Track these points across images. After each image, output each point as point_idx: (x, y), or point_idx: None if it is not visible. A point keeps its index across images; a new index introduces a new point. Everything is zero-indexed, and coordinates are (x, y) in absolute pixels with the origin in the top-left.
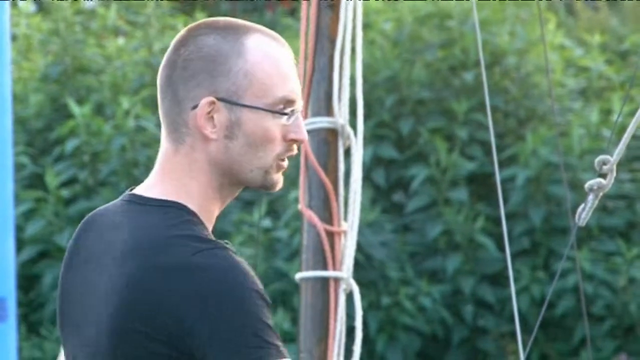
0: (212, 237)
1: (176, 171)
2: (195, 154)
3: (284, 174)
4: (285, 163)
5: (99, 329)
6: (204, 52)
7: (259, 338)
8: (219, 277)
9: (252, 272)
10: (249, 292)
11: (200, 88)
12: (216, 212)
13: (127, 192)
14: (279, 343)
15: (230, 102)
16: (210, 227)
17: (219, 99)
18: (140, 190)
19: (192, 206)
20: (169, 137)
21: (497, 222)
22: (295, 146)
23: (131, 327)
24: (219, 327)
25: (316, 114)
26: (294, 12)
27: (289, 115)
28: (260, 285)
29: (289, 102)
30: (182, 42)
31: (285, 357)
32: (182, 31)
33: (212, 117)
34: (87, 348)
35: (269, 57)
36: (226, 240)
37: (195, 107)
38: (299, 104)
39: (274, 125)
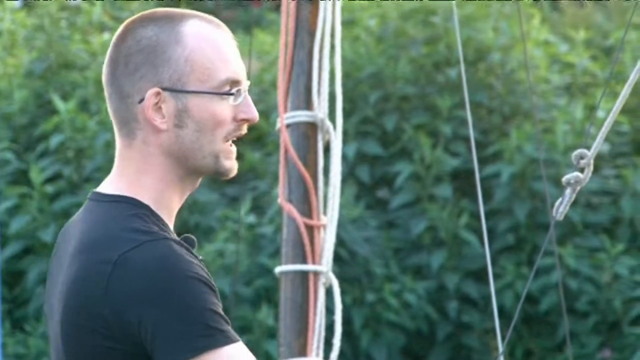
0: (156, 229)
1: (131, 166)
2: (148, 148)
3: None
4: (233, 148)
5: (56, 325)
6: (142, 45)
7: (203, 325)
8: (157, 270)
9: (193, 261)
10: (189, 281)
11: (145, 81)
12: (176, 203)
13: (92, 191)
14: (227, 328)
15: (175, 91)
16: (170, 218)
17: (164, 89)
18: (100, 187)
19: (145, 199)
20: (120, 133)
21: (487, 220)
22: (245, 126)
23: (78, 322)
24: (161, 319)
25: (296, 107)
26: (279, 8)
27: (236, 95)
28: (202, 273)
29: (234, 83)
30: (121, 38)
31: (234, 342)
32: (121, 27)
33: (160, 108)
34: (53, 343)
35: (208, 41)
36: (188, 236)
37: (142, 100)
38: (245, 84)
39: (223, 108)
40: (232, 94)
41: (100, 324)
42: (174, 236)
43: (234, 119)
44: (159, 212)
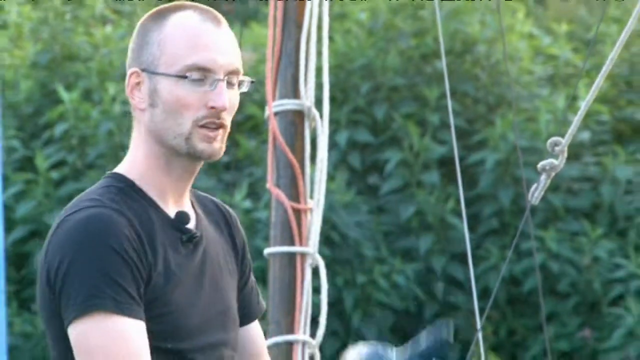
0: (108, 201)
1: (131, 145)
2: (139, 127)
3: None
4: (212, 133)
5: None
6: (138, 33)
7: (96, 287)
8: (76, 233)
9: (119, 229)
10: (102, 247)
11: (132, 63)
12: (168, 184)
13: None
14: (120, 299)
15: (149, 72)
16: (164, 197)
17: (142, 70)
18: None
19: (131, 176)
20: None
21: (467, 203)
22: (221, 114)
23: (38, 277)
24: (68, 275)
25: (283, 96)
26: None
27: (199, 81)
28: (122, 243)
29: (203, 70)
30: (135, 31)
31: (120, 312)
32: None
33: (139, 88)
34: None
35: (183, 29)
36: (117, 205)
37: (127, 79)
38: (223, 73)
39: (188, 92)
40: (185, 77)
41: (44, 275)
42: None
43: (205, 106)
44: (144, 188)
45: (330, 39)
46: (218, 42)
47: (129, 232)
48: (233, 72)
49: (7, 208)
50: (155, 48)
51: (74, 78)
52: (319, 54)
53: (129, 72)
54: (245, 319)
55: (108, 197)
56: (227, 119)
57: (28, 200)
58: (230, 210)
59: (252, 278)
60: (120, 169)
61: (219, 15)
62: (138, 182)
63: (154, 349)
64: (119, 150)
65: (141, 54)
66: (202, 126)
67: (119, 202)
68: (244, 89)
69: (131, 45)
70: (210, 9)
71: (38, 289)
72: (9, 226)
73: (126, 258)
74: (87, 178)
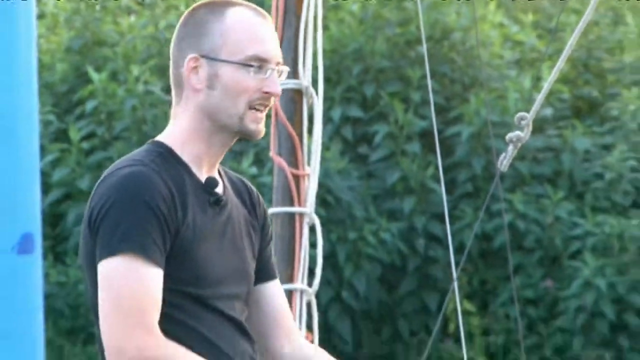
0: (147, 161)
1: (176, 118)
2: (188, 103)
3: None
4: (261, 115)
5: None
6: (196, 21)
7: (127, 234)
8: (118, 186)
9: (156, 187)
10: (137, 200)
11: (189, 49)
12: (204, 153)
13: None
14: (147, 247)
15: (210, 58)
16: (199, 164)
17: (202, 56)
18: None
19: (170, 143)
20: (174, 93)
21: (444, 170)
22: (271, 99)
23: (82, 227)
24: (103, 221)
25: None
26: None
27: (259, 69)
28: (156, 199)
29: (261, 60)
30: (182, 20)
31: (145, 258)
32: (187, 11)
33: (197, 71)
34: None
35: (243, 23)
36: (155, 166)
37: (184, 64)
38: (275, 63)
39: (247, 78)
40: (252, 66)
41: (86, 221)
42: (184, 174)
43: (260, 90)
44: (181, 154)
45: (325, 27)
46: (270, 35)
47: (162, 190)
48: (279, 63)
49: (44, 174)
50: (218, 38)
51: (102, 61)
52: (315, 40)
53: (189, 55)
54: (265, 277)
55: (148, 158)
56: (272, 103)
57: (62, 167)
58: (255, 189)
59: (271, 246)
60: (161, 137)
61: (263, 11)
62: (176, 149)
63: (179, 292)
64: (141, 124)
65: (200, 42)
66: (252, 108)
67: (157, 164)
68: (283, 77)
69: (182, 32)
70: (255, 6)
71: (81, 239)
72: (46, 190)
73: (157, 212)
74: (113, 148)
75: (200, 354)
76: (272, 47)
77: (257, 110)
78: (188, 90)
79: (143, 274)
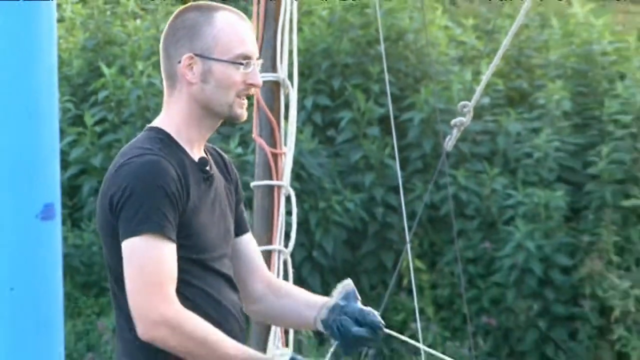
0: (155, 148)
1: (170, 106)
2: (182, 95)
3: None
4: (245, 102)
5: None
6: (186, 23)
7: (146, 215)
8: (134, 174)
9: (167, 173)
10: (152, 185)
11: (184, 48)
12: (196, 137)
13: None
14: (163, 225)
15: (203, 57)
16: (191, 146)
17: (196, 55)
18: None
19: (167, 129)
20: (166, 84)
21: (399, 150)
22: (252, 89)
23: (98, 209)
24: (125, 204)
25: (265, 71)
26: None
27: (246, 65)
28: (168, 183)
29: (245, 57)
30: (173, 20)
31: (161, 235)
32: (174, 13)
33: (192, 68)
34: None
35: (230, 26)
36: (163, 153)
37: (180, 61)
38: (256, 60)
39: (235, 73)
40: (242, 64)
41: (107, 202)
42: (183, 157)
43: (244, 82)
44: (178, 139)
45: (299, 29)
46: (251, 35)
47: (172, 174)
48: (258, 57)
49: (63, 153)
50: (210, 40)
51: (112, 58)
52: (291, 40)
53: (185, 54)
54: (240, 231)
55: (155, 146)
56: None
57: (78, 147)
58: (225, 155)
59: (242, 204)
60: (158, 123)
61: (243, 14)
62: (174, 134)
63: (185, 258)
64: (145, 111)
65: (194, 43)
66: (238, 97)
67: (163, 151)
68: (259, 67)
69: (177, 34)
70: (235, 9)
71: (100, 213)
72: (64, 166)
73: (170, 195)
74: (122, 131)
75: (206, 309)
76: (253, 46)
77: (242, 98)
78: (182, 83)
79: (161, 251)
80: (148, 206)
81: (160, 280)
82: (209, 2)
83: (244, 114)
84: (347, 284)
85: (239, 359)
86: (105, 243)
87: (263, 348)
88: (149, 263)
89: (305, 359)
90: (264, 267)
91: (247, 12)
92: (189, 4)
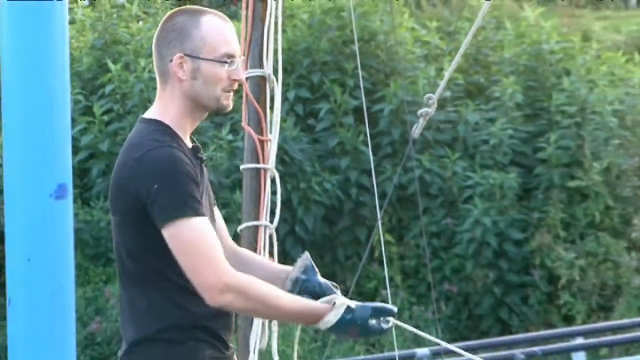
0: (166, 140)
1: (163, 100)
2: (174, 91)
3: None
4: (230, 94)
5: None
6: (176, 27)
7: (183, 200)
8: (160, 164)
9: (185, 161)
10: (179, 174)
11: (175, 48)
12: (189, 127)
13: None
14: (197, 207)
15: (193, 56)
16: (185, 135)
17: (186, 55)
18: (145, 114)
19: (167, 121)
20: (159, 80)
21: (371, 137)
22: (236, 84)
23: (119, 200)
24: (157, 192)
25: (252, 67)
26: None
27: (230, 63)
28: (189, 169)
29: (230, 56)
30: (164, 23)
31: (198, 215)
32: (165, 17)
33: (182, 66)
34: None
35: (215, 29)
36: (196, 144)
37: (172, 60)
38: (239, 57)
39: (221, 71)
40: (227, 62)
41: (129, 194)
42: (183, 146)
43: (229, 78)
44: (176, 130)
45: (283, 30)
46: (234, 36)
47: (187, 160)
48: (240, 55)
49: (74, 139)
50: (198, 41)
51: (118, 55)
52: (276, 40)
53: (176, 54)
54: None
55: (163, 138)
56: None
57: (88, 134)
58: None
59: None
60: (155, 115)
61: (225, 16)
62: (172, 126)
63: None
64: (146, 102)
65: (184, 44)
66: (224, 90)
67: (171, 142)
68: (241, 65)
69: (168, 36)
70: (219, 13)
71: (121, 199)
72: (75, 151)
73: (192, 178)
74: (126, 120)
75: None
76: (236, 45)
77: (228, 92)
78: (174, 80)
79: (205, 229)
80: (181, 193)
81: (214, 254)
82: (196, 7)
83: (229, 105)
84: (306, 258)
85: (296, 310)
86: (125, 225)
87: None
88: (200, 242)
89: (359, 304)
90: (229, 237)
91: (237, 15)
92: (177, 8)
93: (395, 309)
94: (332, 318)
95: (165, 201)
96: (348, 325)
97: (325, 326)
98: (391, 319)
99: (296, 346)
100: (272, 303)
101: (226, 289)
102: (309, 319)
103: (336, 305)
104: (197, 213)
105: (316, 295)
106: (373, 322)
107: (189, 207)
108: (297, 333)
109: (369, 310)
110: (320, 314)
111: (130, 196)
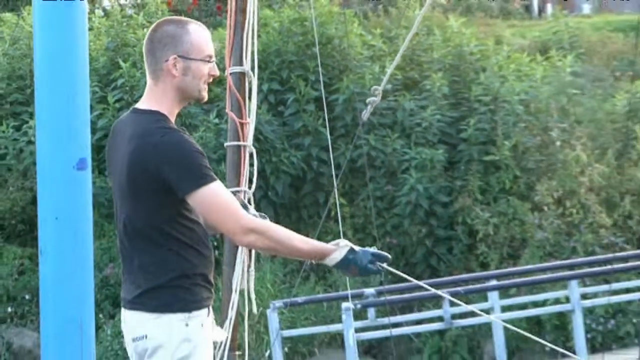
0: (174, 127)
1: (155, 94)
2: (167, 85)
3: (217, 94)
4: (207, 86)
5: (121, 177)
6: (169, 34)
7: (201, 172)
8: (175, 147)
9: (194, 142)
10: (192, 152)
11: (169, 51)
12: (175, 114)
13: (132, 107)
14: (212, 174)
15: (184, 57)
16: (174, 120)
17: (179, 56)
18: (138, 106)
19: (163, 111)
20: (151, 77)
21: (329, 120)
22: (212, 78)
23: (137, 174)
24: (177, 169)
25: (234, 64)
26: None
27: (210, 62)
28: (200, 148)
29: (210, 56)
30: (155, 31)
31: (214, 180)
32: (154, 25)
33: (176, 65)
34: (118, 188)
35: (200, 35)
36: (182, 127)
37: (167, 60)
38: (214, 58)
39: (204, 68)
40: (208, 62)
41: (148, 172)
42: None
43: (209, 74)
44: (170, 117)
45: (259, 36)
46: (211, 41)
47: (193, 141)
48: (216, 56)
49: (92, 122)
50: (189, 45)
51: (127, 56)
52: (253, 43)
53: (171, 56)
54: None
55: (168, 125)
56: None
57: (103, 118)
58: None
59: None
60: (151, 106)
61: (204, 26)
62: (166, 114)
63: (186, 217)
64: None
65: (177, 46)
66: (204, 83)
67: (174, 127)
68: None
69: (160, 40)
70: (199, 23)
71: (140, 179)
72: (93, 132)
73: (202, 153)
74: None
75: (201, 244)
76: (212, 49)
77: (206, 84)
78: (167, 76)
79: (219, 189)
80: (197, 166)
81: (235, 206)
82: (180, 18)
83: (206, 96)
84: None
85: (307, 249)
86: (142, 197)
87: (230, 286)
88: (224, 200)
89: (361, 248)
90: None
91: (222, 23)
92: (163, 19)
93: (389, 256)
94: (337, 256)
95: (187, 175)
96: (349, 263)
97: (331, 263)
98: (385, 265)
99: (269, 285)
100: (288, 243)
101: (249, 231)
102: (317, 256)
103: (340, 245)
104: (213, 179)
105: None
106: (370, 264)
107: (206, 176)
108: (268, 277)
109: (368, 255)
110: (327, 252)
111: (150, 175)
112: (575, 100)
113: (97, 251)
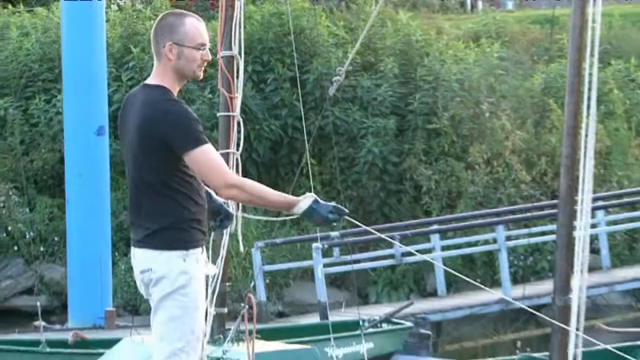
0: (178, 99)
1: (160, 73)
2: (167, 67)
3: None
4: (202, 68)
5: (132, 138)
6: (168, 23)
7: (196, 136)
8: (178, 113)
9: (191, 110)
10: (191, 120)
11: (166, 38)
12: (177, 89)
13: (142, 83)
14: (204, 138)
15: (179, 44)
16: (176, 94)
17: (174, 43)
18: (147, 81)
19: (167, 86)
20: (156, 58)
21: (302, 96)
22: (205, 62)
23: (146, 136)
24: (179, 132)
25: (225, 49)
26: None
27: (202, 49)
28: (196, 117)
29: (202, 45)
30: (160, 21)
31: (206, 143)
32: (160, 16)
33: (172, 50)
34: (129, 150)
35: (194, 26)
36: (183, 100)
37: (164, 46)
38: (207, 45)
39: (197, 54)
40: (200, 49)
41: (157, 134)
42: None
43: (201, 59)
44: (172, 91)
45: (244, 26)
46: (205, 31)
47: (192, 110)
48: (209, 44)
49: (109, 96)
50: (183, 34)
51: (137, 42)
52: (240, 32)
53: (167, 43)
54: None
55: (173, 97)
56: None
57: (118, 93)
58: None
59: None
60: (157, 82)
61: (199, 18)
62: (169, 88)
63: (187, 174)
64: None
65: (173, 35)
66: (198, 67)
67: (178, 99)
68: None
69: (162, 29)
70: (195, 15)
71: (149, 140)
72: (110, 104)
73: (198, 120)
74: None
75: (197, 196)
76: (206, 37)
77: (200, 67)
78: (165, 59)
79: (209, 150)
80: (194, 131)
81: (221, 164)
82: (181, 11)
83: (201, 75)
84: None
85: (278, 201)
86: (149, 155)
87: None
88: (213, 158)
89: (323, 202)
90: None
91: (215, 16)
92: (167, 11)
93: (346, 210)
94: (302, 205)
95: (185, 137)
96: (313, 213)
97: (299, 211)
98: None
99: (253, 229)
100: (263, 196)
101: (231, 186)
102: (288, 206)
103: (306, 195)
104: (205, 142)
105: (217, 211)
106: (330, 214)
107: (200, 139)
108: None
109: (329, 207)
110: (295, 203)
111: (157, 137)
112: (501, 79)
113: (113, 201)
